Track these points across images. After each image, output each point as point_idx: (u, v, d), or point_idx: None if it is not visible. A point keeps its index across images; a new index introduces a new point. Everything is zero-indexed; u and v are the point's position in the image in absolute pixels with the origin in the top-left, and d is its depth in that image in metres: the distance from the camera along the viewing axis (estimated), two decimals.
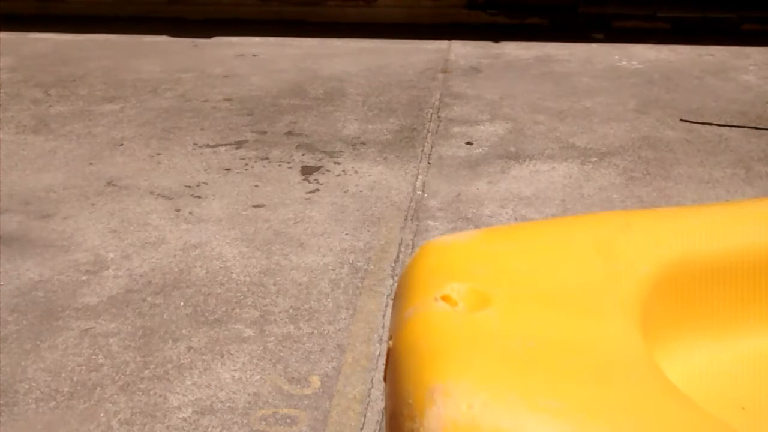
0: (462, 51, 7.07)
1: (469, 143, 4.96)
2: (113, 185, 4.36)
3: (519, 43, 7.29)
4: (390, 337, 1.00)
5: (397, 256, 3.62)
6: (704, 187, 4.35)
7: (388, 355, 0.99)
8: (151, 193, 4.28)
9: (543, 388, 0.86)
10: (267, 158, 4.72)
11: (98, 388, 2.77)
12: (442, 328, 0.91)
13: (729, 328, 1.20)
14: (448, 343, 0.88)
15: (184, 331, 3.08)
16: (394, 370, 0.92)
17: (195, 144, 4.94)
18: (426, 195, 4.26)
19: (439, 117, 5.42)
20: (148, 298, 3.30)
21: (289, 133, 5.12)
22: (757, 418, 0.71)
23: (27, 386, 2.78)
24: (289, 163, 4.66)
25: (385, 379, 1.00)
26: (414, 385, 0.84)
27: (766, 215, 1.41)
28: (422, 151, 4.84)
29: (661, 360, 0.97)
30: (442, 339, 0.89)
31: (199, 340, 3.03)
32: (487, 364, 0.85)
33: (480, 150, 4.86)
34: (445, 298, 0.97)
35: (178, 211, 4.07)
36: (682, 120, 5.33)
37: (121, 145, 4.94)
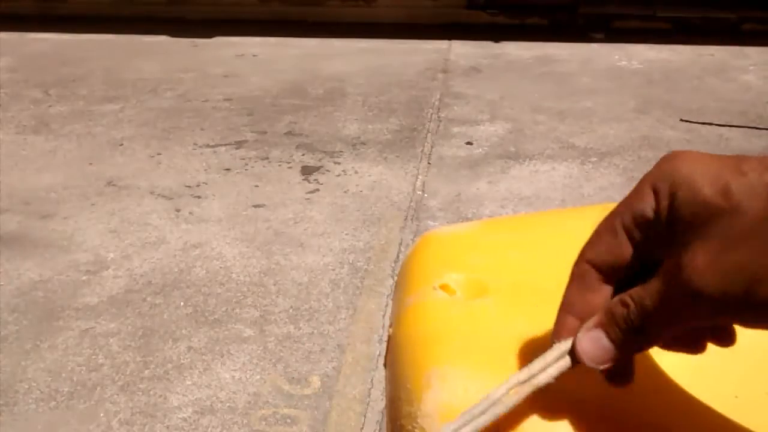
0: (462, 51, 7.07)
1: (469, 143, 4.96)
2: (113, 185, 4.36)
3: (519, 43, 7.29)
4: (390, 325, 1.02)
5: (397, 256, 3.62)
6: None
7: (388, 341, 1.01)
8: (151, 193, 4.28)
9: None
10: (267, 158, 4.72)
11: (98, 388, 2.77)
12: (440, 316, 0.93)
13: None
14: (445, 330, 0.90)
15: (184, 331, 3.08)
16: (394, 356, 0.94)
17: (195, 144, 4.94)
18: (426, 195, 4.26)
19: (439, 117, 5.42)
20: (148, 298, 3.30)
21: (289, 133, 5.12)
22: (750, 406, 0.72)
23: (27, 386, 2.78)
24: (289, 163, 4.66)
25: (385, 365, 1.02)
26: (412, 370, 0.85)
27: None
28: (422, 151, 4.84)
29: (654, 350, 0.98)
30: (440, 326, 0.91)
31: (199, 340, 3.03)
32: (484, 349, 0.86)
33: (480, 150, 4.86)
34: (444, 287, 0.99)
35: (178, 211, 4.07)
36: (682, 120, 5.33)
37: (121, 145, 4.94)
